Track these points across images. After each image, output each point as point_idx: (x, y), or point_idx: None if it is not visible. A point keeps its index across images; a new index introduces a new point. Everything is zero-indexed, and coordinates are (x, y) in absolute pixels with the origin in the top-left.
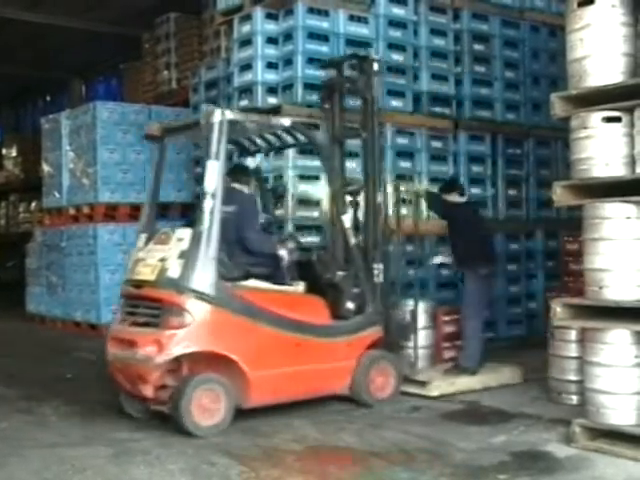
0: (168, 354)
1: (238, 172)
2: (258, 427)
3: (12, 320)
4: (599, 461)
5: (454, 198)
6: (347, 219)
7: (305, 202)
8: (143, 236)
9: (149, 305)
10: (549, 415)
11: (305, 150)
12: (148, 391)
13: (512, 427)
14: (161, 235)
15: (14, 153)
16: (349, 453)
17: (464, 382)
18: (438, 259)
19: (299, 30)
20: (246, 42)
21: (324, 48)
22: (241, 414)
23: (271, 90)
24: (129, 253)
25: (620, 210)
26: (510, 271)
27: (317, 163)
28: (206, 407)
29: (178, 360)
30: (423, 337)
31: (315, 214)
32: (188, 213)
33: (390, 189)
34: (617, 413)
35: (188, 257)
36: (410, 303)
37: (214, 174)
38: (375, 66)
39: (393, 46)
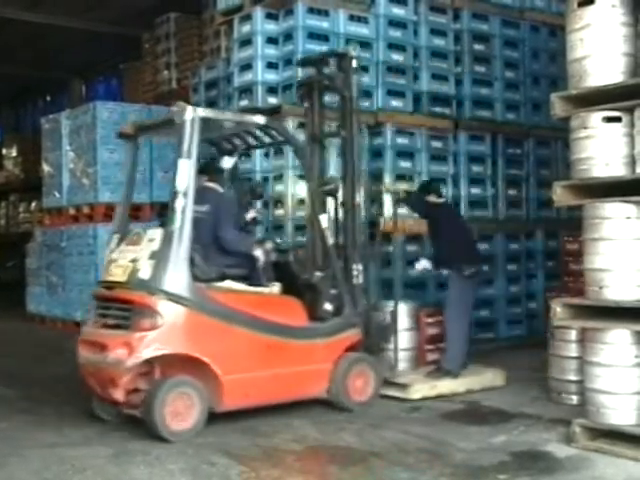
0: (138, 357)
1: (211, 170)
2: (258, 427)
3: (12, 320)
4: (599, 461)
5: (432, 199)
6: (324, 219)
7: (304, 202)
8: (116, 237)
9: (120, 307)
10: (549, 415)
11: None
12: (119, 395)
13: (512, 427)
14: (133, 236)
15: (14, 153)
16: (349, 453)
17: (446, 385)
18: (420, 265)
19: (299, 30)
20: (246, 42)
21: (324, 48)
22: (241, 414)
23: (271, 90)
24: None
25: (620, 210)
26: (510, 271)
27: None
28: (179, 411)
29: (150, 363)
30: (404, 339)
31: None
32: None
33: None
34: (617, 413)
35: (159, 258)
36: (390, 304)
37: (186, 173)
38: (353, 63)
39: (393, 46)
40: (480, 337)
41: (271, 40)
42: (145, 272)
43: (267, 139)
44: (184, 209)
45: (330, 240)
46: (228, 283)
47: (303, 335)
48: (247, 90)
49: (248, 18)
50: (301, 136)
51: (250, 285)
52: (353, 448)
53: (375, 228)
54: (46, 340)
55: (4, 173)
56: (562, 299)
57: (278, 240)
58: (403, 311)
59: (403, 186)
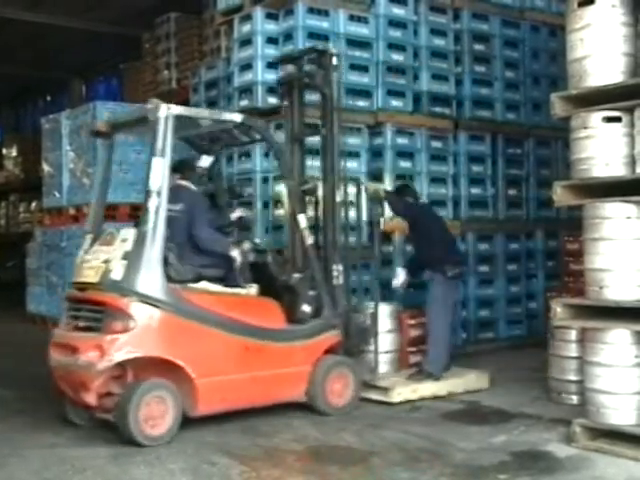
0: (110, 360)
1: (184, 168)
2: (258, 427)
3: (12, 320)
4: (600, 461)
5: (409, 200)
6: (303, 219)
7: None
8: (89, 237)
9: (92, 308)
10: (549, 415)
11: (305, 150)
12: (91, 398)
13: (512, 427)
14: (106, 236)
15: (14, 153)
16: (349, 453)
17: (428, 388)
18: (399, 279)
19: (299, 30)
20: (246, 42)
21: None
22: (241, 414)
23: (271, 90)
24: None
25: (620, 210)
26: (510, 271)
27: (317, 163)
28: (153, 415)
29: (122, 366)
30: (385, 341)
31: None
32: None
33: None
34: (617, 413)
35: (132, 258)
36: (371, 305)
37: (159, 171)
38: (334, 60)
39: (393, 46)
40: (480, 337)
41: (271, 40)
42: (117, 273)
43: (245, 138)
44: (157, 209)
45: (309, 240)
46: (204, 284)
47: (281, 337)
48: (247, 90)
49: (248, 18)
50: (280, 136)
51: (226, 286)
52: (353, 448)
53: (375, 228)
54: (46, 340)
55: (4, 173)
56: (562, 299)
57: (257, 240)
58: (384, 312)
59: (382, 186)
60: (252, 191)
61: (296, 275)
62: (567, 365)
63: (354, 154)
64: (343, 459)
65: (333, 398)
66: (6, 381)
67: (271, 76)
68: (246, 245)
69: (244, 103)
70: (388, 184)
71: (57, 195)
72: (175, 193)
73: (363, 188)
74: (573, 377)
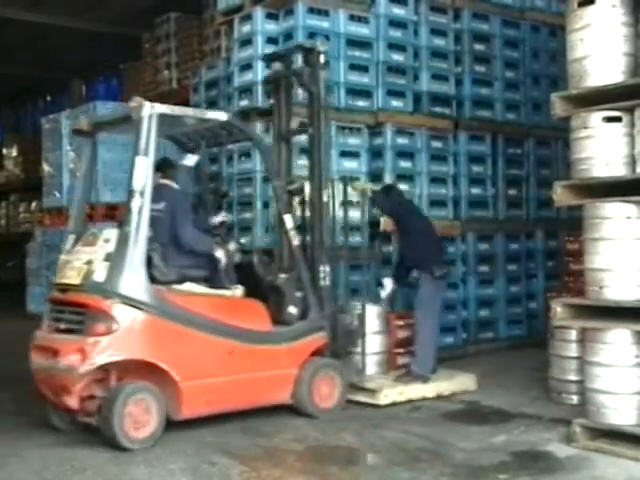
0: (92, 363)
1: (166, 167)
2: (258, 427)
3: (12, 320)
4: (600, 461)
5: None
6: (289, 219)
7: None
8: (72, 237)
9: (74, 310)
10: (549, 415)
11: (306, 150)
12: (73, 402)
13: (512, 427)
14: (89, 236)
15: (14, 153)
16: (350, 453)
17: (415, 390)
18: (386, 291)
19: (299, 30)
20: (246, 42)
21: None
22: (241, 414)
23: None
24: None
25: (620, 210)
26: (510, 271)
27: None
28: (137, 419)
29: (105, 369)
30: (373, 342)
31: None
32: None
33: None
34: (618, 413)
35: (114, 259)
36: (358, 306)
37: (143, 171)
38: (321, 58)
39: (393, 46)
40: (480, 337)
41: (271, 40)
42: (100, 274)
43: (231, 137)
44: (141, 209)
45: (295, 241)
46: (188, 285)
47: (267, 339)
48: (247, 90)
49: (248, 18)
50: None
51: (211, 287)
52: (353, 448)
53: (375, 228)
54: None
55: (4, 173)
56: (562, 299)
57: (242, 241)
58: (372, 313)
59: (370, 185)
60: (252, 191)
61: (282, 276)
62: (567, 365)
63: (354, 154)
64: (343, 459)
65: (320, 401)
66: (7, 381)
67: None
68: (231, 245)
69: (244, 103)
70: (374, 184)
71: (57, 195)
72: (157, 192)
73: (350, 187)
74: (573, 377)
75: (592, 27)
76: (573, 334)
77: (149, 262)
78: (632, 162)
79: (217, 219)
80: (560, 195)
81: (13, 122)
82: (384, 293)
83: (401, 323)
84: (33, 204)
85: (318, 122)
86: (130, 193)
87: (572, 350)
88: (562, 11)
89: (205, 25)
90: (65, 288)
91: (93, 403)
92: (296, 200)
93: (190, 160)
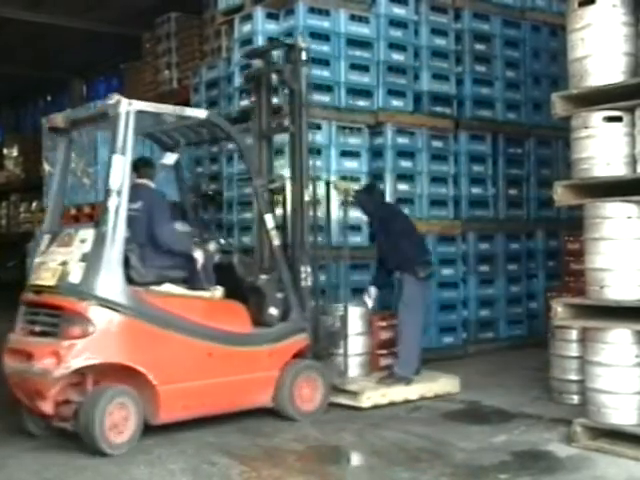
0: (67, 367)
1: (142, 166)
2: (258, 427)
3: (12, 320)
4: (600, 461)
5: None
6: (270, 219)
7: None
8: (47, 237)
9: (48, 313)
10: (550, 415)
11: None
12: (47, 407)
13: (513, 427)
14: (64, 236)
15: (15, 153)
16: (350, 453)
17: (398, 392)
18: (371, 298)
19: (300, 30)
20: (247, 42)
21: (325, 48)
22: (242, 414)
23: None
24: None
25: (621, 210)
26: (511, 271)
27: (317, 162)
28: (116, 423)
29: (81, 373)
30: (355, 344)
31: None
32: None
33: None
34: (618, 413)
35: (91, 260)
36: (340, 307)
37: (119, 170)
38: (303, 55)
39: (394, 46)
40: (480, 337)
41: (272, 40)
42: (75, 276)
43: (211, 135)
44: (118, 208)
45: (276, 241)
46: (166, 286)
47: (247, 341)
48: (248, 90)
49: (249, 18)
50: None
51: (190, 289)
52: (354, 448)
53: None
54: None
55: (5, 173)
56: (563, 299)
57: (222, 241)
58: (354, 314)
59: (352, 185)
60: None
61: (263, 277)
62: (568, 365)
63: (355, 154)
64: (343, 459)
65: (301, 403)
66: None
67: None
68: (211, 245)
69: (245, 103)
70: (356, 183)
71: None
72: (134, 192)
73: (332, 187)
74: (574, 377)
75: (593, 27)
76: (574, 334)
77: (126, 263)
78: (633, 162)
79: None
80: (561, 195)
81: (13, 122)
82: (370, 301)
83: (383, 324)
84: (34, 204)
85: (299, 120)
86: (107, 192)
87: (573, 350)
88: (563, 11)
89: (205, 25)
90: (40, 290)
91: (69, 408)
92: (277, 200)
93: (169, 159)
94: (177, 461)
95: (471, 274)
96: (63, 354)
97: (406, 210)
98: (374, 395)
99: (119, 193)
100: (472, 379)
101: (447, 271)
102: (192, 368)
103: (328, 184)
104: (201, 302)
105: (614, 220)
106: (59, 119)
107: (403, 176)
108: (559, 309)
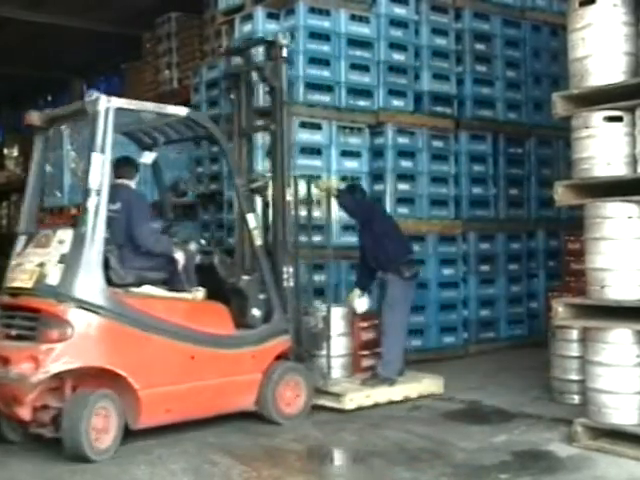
0: (46, 371)
1: (122, 166)
2: (259, 427)
3: None
4: (601, 461)
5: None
6: (252, 219)
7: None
8: (23, 238)
9: (26, 316)
10: (551, 414)
11: (306, 149)
12: (25, 413)
13: (513, 427)
14: (41, 237)
15: (15, 153)
16: (350, 453)
17: (382, 393)
18: (362, 305)
19: (300, 30)
20: None
21: (325, 48)
22: (242, 414)
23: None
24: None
25: (622, 209)
26: (511, 271)
27: (318, 162)
28: (99, 428)
29: (60, 378)
30: (338, 345)
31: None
32: (190, 213)
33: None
34: (619, 412)
35: (69, 261)
36: (322, 308)
37: (99, 169)
38: (283, 52)
39: (394, 46)
40: (481, 337)
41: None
42: (54, 277)
43: (190, 133)
44: (97, 208)
45: (258, 241)
46: (147, 288)
47: (230, 344)
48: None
49: (249, 18)
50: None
51: (171, 290)
52: (354, 448)
53: None
54: None
55: (5, 173)
56: (564, 299)
57: (202, 241)
58: (336, 315)
59: (335, 184)
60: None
61: (245, 277)
62: (568, 365)
63: (355, 154)
64: (343, 459)
65: (285, 407)
66: None
67: None
68: (191, 246)
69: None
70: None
71: (58, 195)
72: (113, 192)
73: (314, 186)
74: (574, 377)
75: (593, 26)
76: (574, 334)
77: (105, 264)
78: (633, 162)
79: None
80: (561, 195)
81: (14, 122)
82: (361, 307)
83: (365, 325)
84: None
85: (280, 118)
86: (86, 192)
87: (573, 350)
88: (563, 10)
89: (206, 25)
90: (16, 292)
91: (46, 413)
92: (260, 199)
93: (147, 158)
94: (178, 461)
95: (472, 274)
96: (41, 358)
97: (406, 210)
98: (357, 397)
99: (98, 193)
100: (472, 379)
101: (448, 271)
102: (174, 371)
103: (310, 183)
104: (183, 304)
105: (615, 220)
106: (35, 117)
107: (404, 176)
108: (560, 309)
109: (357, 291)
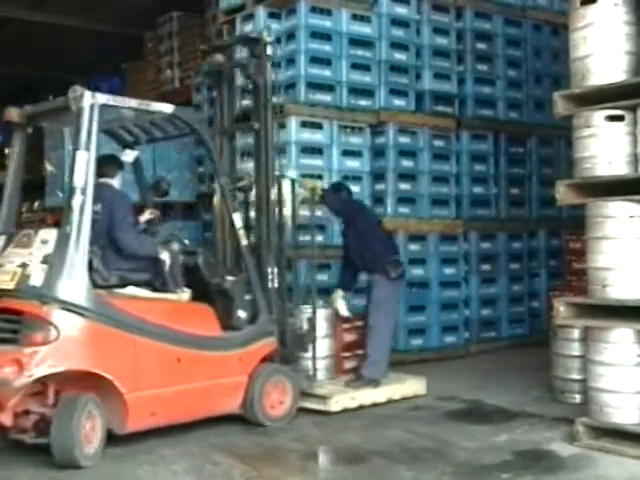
0: (30, 375)
1: (105, 164)
2: (260, 427)
3: None
4: (602, 460)
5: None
6: (237, 218)
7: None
8: (2, 238)
9: (7, 318)
10: (552, 414)
11: (307, 149)
12: (6, 418)
13: (515, 426)
14: (23, 237)
15: None
16: (352, 452)
17: (367, 395)
18: (345, 307)
19: (302, 29)
20: None
21: (327, 47)
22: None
23: (273, 89)
24: None
25: (623, 209)
26: (513, 270)
27: (319, 162)
28: (88, 434)
29: (42, 382)
30: (322, 347)
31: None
32: (191, 213)
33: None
34: (620, 412)
35: (53, 262)
36: (308, 310)
37: (84, 167)
38: (268, 49)
39: (396, 45)
40: (482, 336)
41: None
42: (37, 278)
43: (174, 130)
44: (82, 208)
45: (244, 241)
46: (131, 289)
47: (215, 346)
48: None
49: (250, 17)
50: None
51: (156, 291)
52: (356, 447)
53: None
54: None
55: (6, 173)
56: (565, 298)
57: (185, 241)
58: (320, 316)
59: (319, 183)
60: None
61: (230, 278)
62: (570, 364)
63: (356, 153)
64: (345, 458)
65: (271, 409)
66: None
67: (273, 75)
68: (174, 245)
69: (246, 102)
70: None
71: (60, 194)
72: (95, 192)
73: (298, 185)
74: (576, 376)
75: (595, 26)
76: (576, 333)
77: (89, 265)
78: (635, 161)
79: (144, 217)
80: (563, 194)
81: None
82: (344, 310)
83: (347, 326)
84: (36, 204)
85: (265, 116)
86: (71, 190)
87: (575, 349)
88: (564, 10)
89: (207, 24)
90: None
91: (28, 419)
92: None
93: (129, 156)
94: (180, 461)
95: (473, 273)
96: (25, 362)
97: (408, 209)
98: (343, 399)
99: (83, 191)
100: (474, 378)
101: (449, 270)
102: (161, 374)
103: (294, 182)
104: (168, 305)
105: (616, 219)
106: (14, 113)
107: (405, 175)
108: (561, 308)
109: (340, 292)
